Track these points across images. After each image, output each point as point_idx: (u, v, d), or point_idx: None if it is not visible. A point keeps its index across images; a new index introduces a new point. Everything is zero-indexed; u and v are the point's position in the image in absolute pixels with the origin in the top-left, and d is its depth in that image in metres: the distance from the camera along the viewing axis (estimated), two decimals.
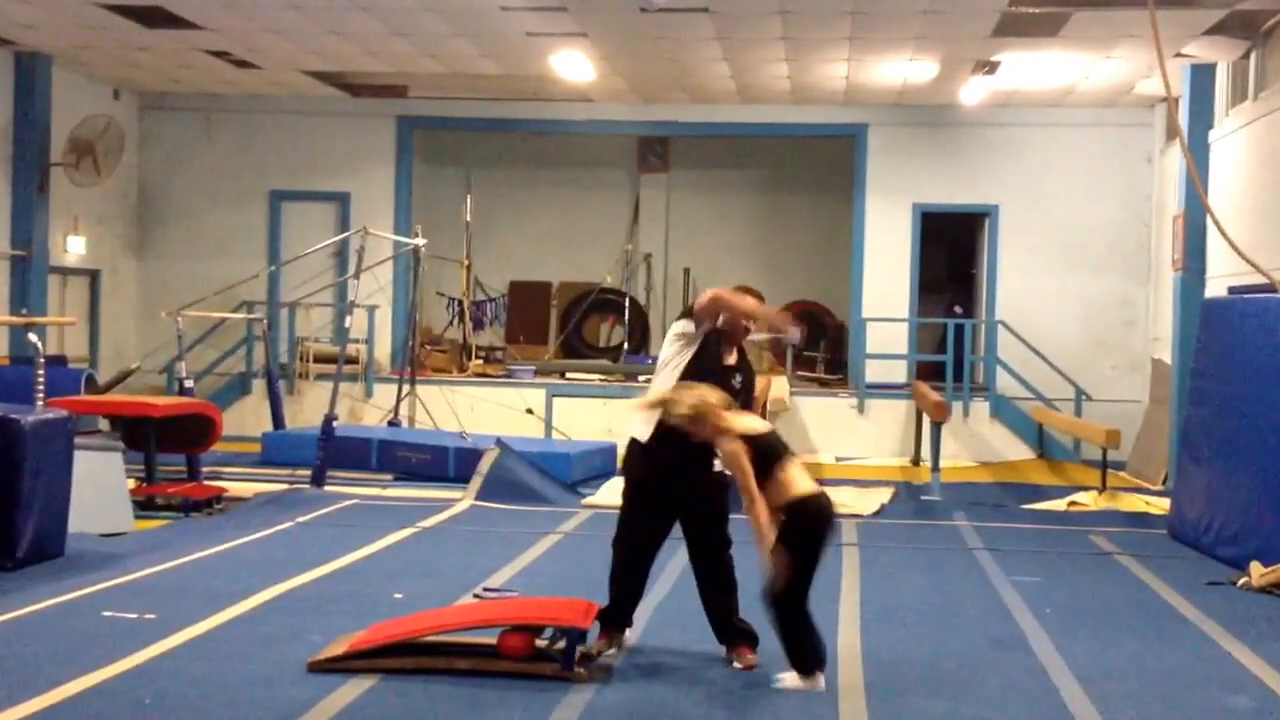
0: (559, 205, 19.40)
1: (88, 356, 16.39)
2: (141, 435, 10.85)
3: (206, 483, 11.36)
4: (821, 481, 6.52)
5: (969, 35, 12.89)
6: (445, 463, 12.74)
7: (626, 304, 18.45)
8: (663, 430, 6.07)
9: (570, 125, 17.66)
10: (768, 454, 5.78)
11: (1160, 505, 11.67)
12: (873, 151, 17.06)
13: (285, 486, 11.89)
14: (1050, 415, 15.59)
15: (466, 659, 5.85)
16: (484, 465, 11.80)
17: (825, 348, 18.23)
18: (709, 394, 5.84)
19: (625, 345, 18.26)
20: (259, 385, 16.27)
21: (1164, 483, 13.51)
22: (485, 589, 7.67)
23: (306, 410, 15.98)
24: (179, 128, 17.67)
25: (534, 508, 11.11)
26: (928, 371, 16.86)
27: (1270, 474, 8.85)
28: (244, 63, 15.22)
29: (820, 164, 18.65)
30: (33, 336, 10.73)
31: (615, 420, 15.73)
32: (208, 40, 14.02)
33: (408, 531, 9.79)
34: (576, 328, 19.05)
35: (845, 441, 16.12)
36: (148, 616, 6.75)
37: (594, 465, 13.32)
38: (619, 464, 13.32)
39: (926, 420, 13.73)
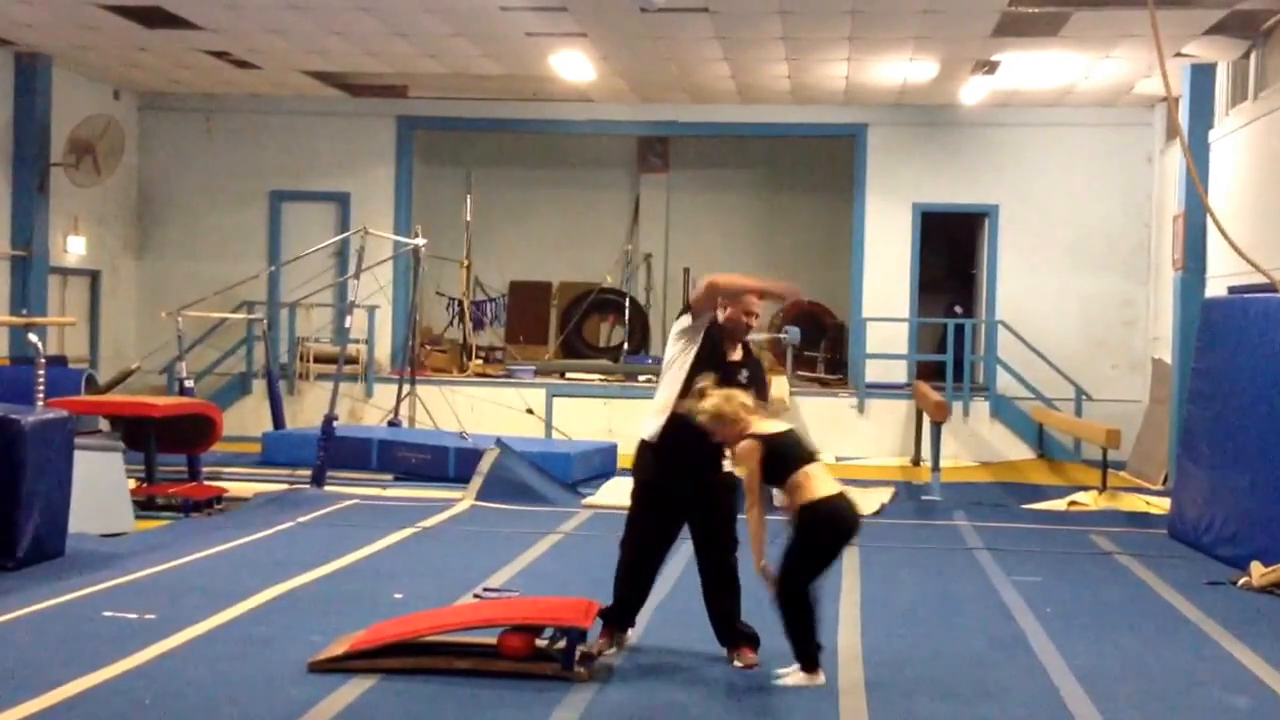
0: (559, 205, 19.40)
1: (88, 357, 16.39)
2: (142, 435, 10.84)
3: (207, 483, 11.36)
4: None
5: (969, 35, 12.89)
6: (445, 463, 12.74)
7: (626, 304, 18.45)
8: (672, 431, 6.08)
9: (570, 125, 17.67)
10: (785, 455, 5.78)
11: (1160, 505, 11.67)
12: (872, 151, 17.07)
13: (285, 487, 11.88)
14: (1050, 415, 15.59)
15: (467, 659, 5.85)
16: (484, 465, 11.79)
17: (825, 348, 18.22)
18: (734, 394, 5.84)
19: (625, 345, 18.25)
20: (259, 385, 16.27)
21: (1164, 483, 13.51)
22: (485, 589, 7.67)
23: (306, 410, 15.99)
24: (179, 128, 17.67)
25: (534, 508, 11.10)
26: (928, 371, 16.87)
27: (1270, 474, 8.85)
28: (244, 63, 15.22)
29: (820, 164, 18.65)
30: (33, 337, 10.73)
31: (615, 420, 15.77)
32: (208, 40, 14.02)
33: (408, 531, 9.79)
34: (576, 328, 19.05)
35: (845, 441, 16.12)
36: (148, 617, 6.75)
37: (594, 465, 13.33)
38: (619, 464, 13.57)
39: (927, 420, 13.73)
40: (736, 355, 6.26)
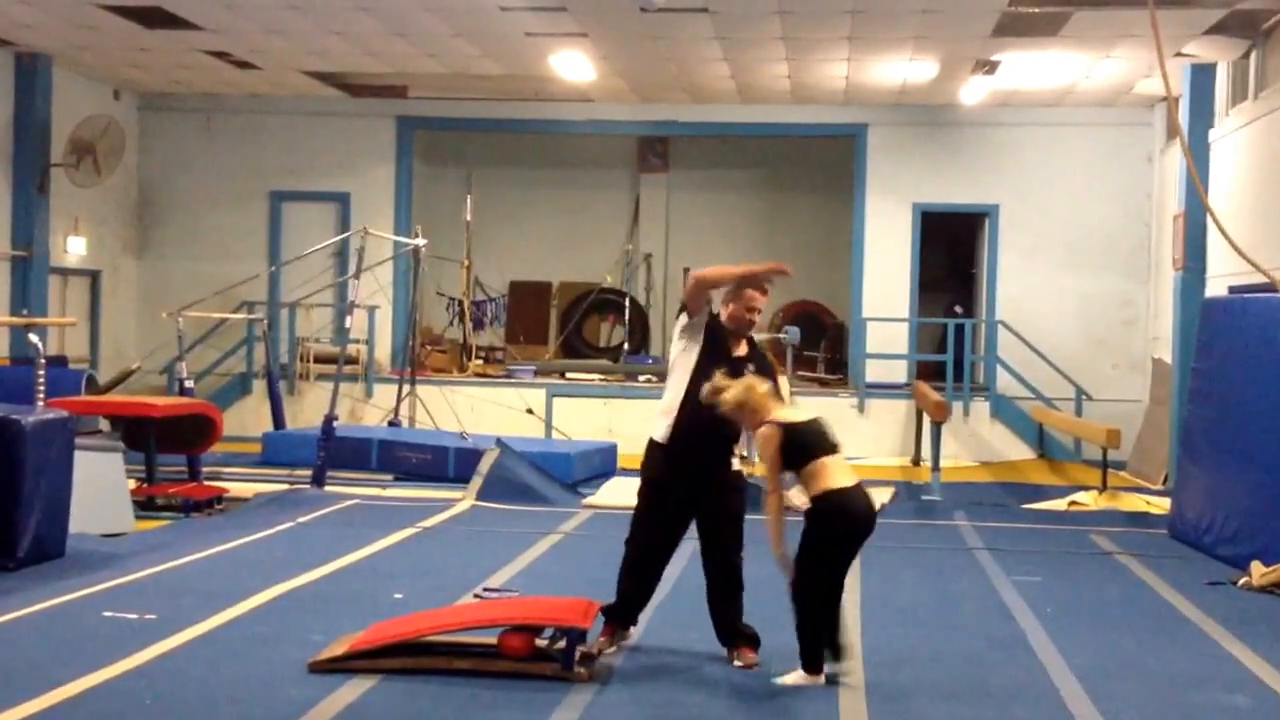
0: (559, 205, 19.40)
1: (88, 357, 16.39)
2: (142, 435, 10.84)
3: (207, 483, 11.36)
4: None
5: (969, 35, 12.89)
6: (445, 463, 12.74)
7: (626, 304, 18.45)
8: (681, 431, 6.08)
9: (570, 125, 17.67)
10: (804, 444, 5.79)
11: (1160, 505, 11.67)
12: (873, 151, 17.07)
13: (285, 487, 11.88)
14: (1050, 415, 15.59)
15: (467, 659, 5.85)
16: (484, 465, 11.79)
17: (825, 347, 18.23)
18: (757, 384, 5.86)
19: (625, 345, 18.25)
20: (259, 385, 16.27)
21: (1164, 482, 13.51)
22: (485, 589, 7.67)
23: (307, 410, 15.99)
24: (179, 128, 17.67)
25: (534, 508, 11.10)
26: (928, 371, 16.87)
27: (1270, 474, 8.85)
28: (244, 63, 15.23)
29: (820, 164, 18.65)
30: (33, 337, 10.72)
31: (615, 420, 15.77)
32: (208, 41, 14.02)
33: (408, 532, 9.79)
34: (576, 328, 19.05)
35: (845, 441, 15.81)
36: (148, 617, 6.75)
37: (594, 465, 13.33)
38: (619, 464, 13.57)
39: (927, 420, 13.73)
40: (742, 350, 6.27)
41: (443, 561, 8.69)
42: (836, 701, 5.59)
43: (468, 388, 15.90)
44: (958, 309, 17.89)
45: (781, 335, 15.95)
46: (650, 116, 17.45)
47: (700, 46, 13.67)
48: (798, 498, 5.86)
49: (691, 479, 6.15)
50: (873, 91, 15.92)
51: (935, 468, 12.57)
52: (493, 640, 5.91)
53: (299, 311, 16.91)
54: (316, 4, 12.36)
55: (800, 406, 6.09)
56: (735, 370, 6.04)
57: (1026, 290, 16.73)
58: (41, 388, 10.09)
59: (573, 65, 14.49)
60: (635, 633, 6.48)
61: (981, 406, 16.33)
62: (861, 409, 16.36)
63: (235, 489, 11.48)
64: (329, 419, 12.09)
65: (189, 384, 13.33)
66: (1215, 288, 12.96)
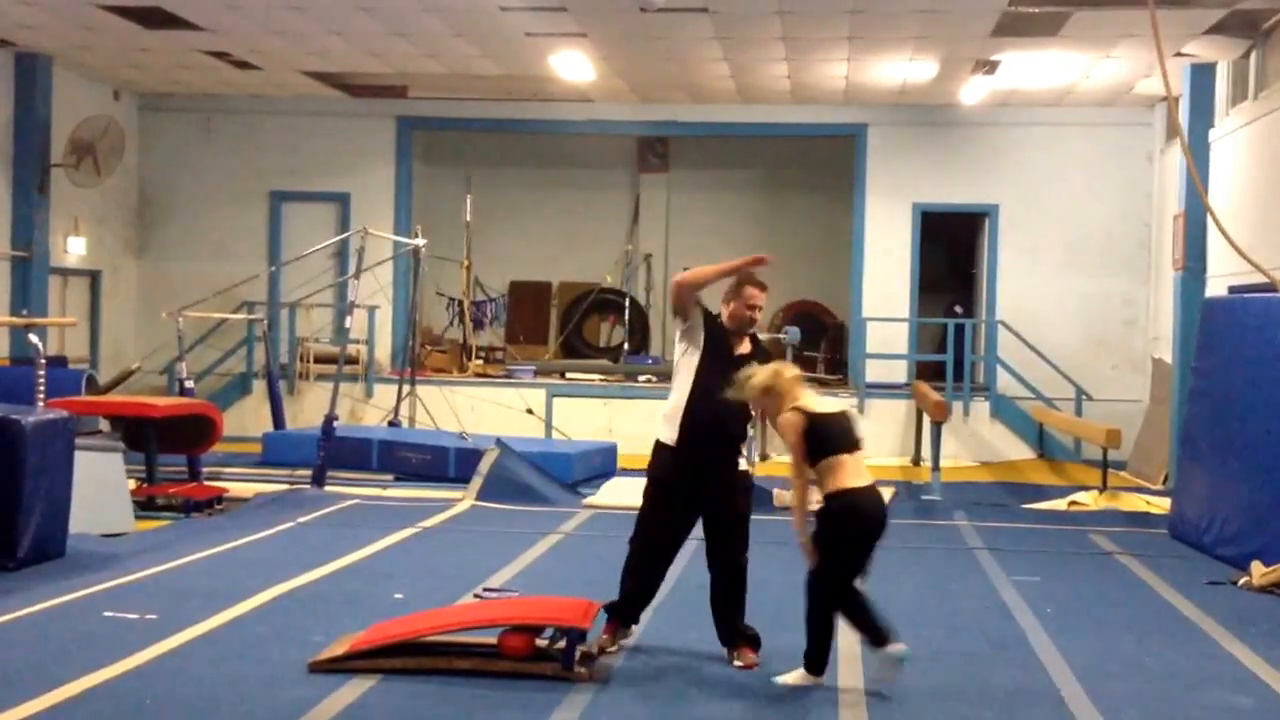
0: (559, 205, 19.40)
1: (88, 357, 16.39)
2: (142, 435, 10.85)
3: (207, 483, 11.37)
4: None
5: (969, 35, 12.89)
6: (445, 463, 12.74)
7: (626, 304, 18.45)
8: (688, 432, 6.09)
9: (570, 125, 17.67)
10: (826, 437, 5.73)
11: (1161, 505, 11.67)
12: (872, 151, 17.07)
13: (286, 487, 11.88)
14: (1051, 415, 15.59)
15: (467, 659, 5.86)
16: (484, 465, 11.80)
17: (825, 347, 18.22)
18: (785, 368, 5.84)
19: (625, 345, 18.25)
20: (259, 385, 16.28)
21: (1164, 482, 13.51)
22: (485, 589, 7.67)
23: (307, 410, 15.99)
24: (179, 128, 17.68)
25: (534, 508, 11.11)
26: (928, 371, 16.87)
27: (1270, 473, 8.85)
28: (244, 63, 15.23)
29: (820, 164, 18.64)
30: (33, 337, 10.73)
31: (615, 420, 15.77)
32: (208, 41, 14.02)
33: (408, 532, 9.79)
34: (576, 328, 19.05)
35: None
36: (148, 617, 6.75)
37: (594, 465, 13.33)
38: (619, 464, 13.57)
39: (927, 420, 13.73)
40: (745, 349, 6.29)
41: (443, 561, 8.70)
42: (836, 702, 5.59)
43: (468, 388, 15.89)
44: (958, 309, 17.89)
45: (782, 335, 15.94)
46: (650, 116, 17.45)
47: (700, 46, 13.67)
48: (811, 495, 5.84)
49: (699, 479, 6.16)
50: (872, 91, 15.92)
51: (935, 468, 12.58)
52: (493, 640, 5.91)
53: (299, 311, 16.92)
54: (316, 4, 12.36)
55: (828, 400, 6.01)
56: (739, 368, 6.03)
57: (1026, 290, 16.73)
58: (42, 388, 10.10)
59: (572, 65, 14.49)
60: (636, 632, 6.49)
61: (981, 406, 16.33)
62: (861, 409, 16.33)
63: (235, 489, 11.49)
64: (329, 419, 12.10)
65: (189, 384, 13.33)
66: (1215, 288, 12.96)
